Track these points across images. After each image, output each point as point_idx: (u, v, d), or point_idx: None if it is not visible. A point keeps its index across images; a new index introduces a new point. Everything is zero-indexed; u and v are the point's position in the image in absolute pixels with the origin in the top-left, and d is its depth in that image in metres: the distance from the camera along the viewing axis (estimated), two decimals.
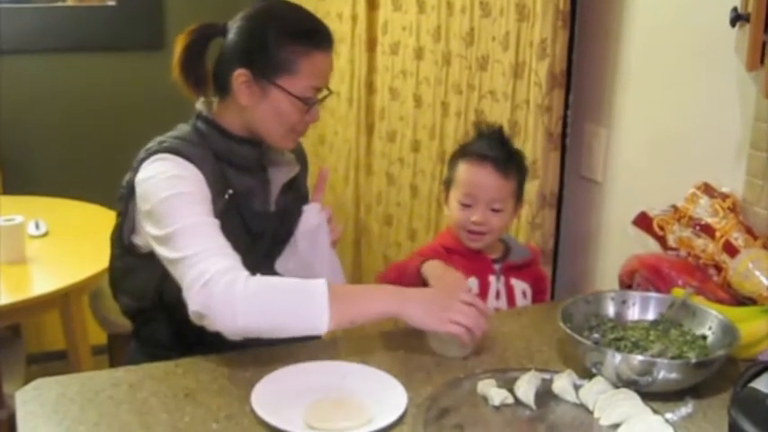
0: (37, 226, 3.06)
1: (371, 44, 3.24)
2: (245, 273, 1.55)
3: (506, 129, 2.32)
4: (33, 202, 3.41)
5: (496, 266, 1.99)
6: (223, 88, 1.78)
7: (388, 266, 1.95)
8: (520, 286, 2.01)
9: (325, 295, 1.54)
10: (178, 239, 1.58)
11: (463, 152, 2.00)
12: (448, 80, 2.69)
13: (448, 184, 2.02)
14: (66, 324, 2.83)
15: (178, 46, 1.79)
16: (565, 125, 2.25)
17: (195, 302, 1.53)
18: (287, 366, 1.59)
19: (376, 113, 3.26)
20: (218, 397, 1.51)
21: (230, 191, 1.77)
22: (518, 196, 1.99)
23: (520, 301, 2.00)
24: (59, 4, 4.15)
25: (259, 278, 1.55)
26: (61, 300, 2.73)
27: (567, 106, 2.24)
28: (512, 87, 2.33)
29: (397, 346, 1.74)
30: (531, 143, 2.22)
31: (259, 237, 1.82)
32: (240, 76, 1.73)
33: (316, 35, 1.75)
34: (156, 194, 1.64)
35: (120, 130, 3.91)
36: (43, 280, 2.73)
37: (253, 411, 1.43)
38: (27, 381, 1.59)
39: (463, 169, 1.96)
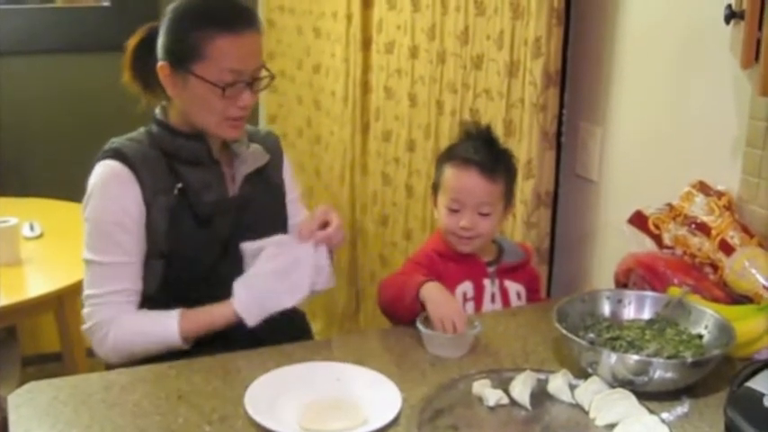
0: (32, 228, 3.05)
1: (366, 43, 3.23)
2: (119, 323, 1.77)
3: (501, 128, 2.32)
4: (28, 203, 3.41)
5: (490, 269, 1.97)
6: (162, 86, 1.81)
7: (386, 280, 1.93)
8: (514, 288, 1.99)
9: (178, 339, 1.76)
10: (86, 274, 1.81)
11: (448, 155, 1.97)
12: (443, 79, 2.68)
13: (435, 188, 1.99)
14: (62, 326, 2.83)
15: (128, 49, 1.87)
16: (560, 124, 2.24)
17: (87, 336, 1.82)
18: (281, 368, 1.58)
19: (371, 113, 3.25)
20: (212, 399, 1.50)
21: (179, 185, 1.80)
22: (507, 197, 1.96)
23: (515, 302, 1.99)
24: (54, 5, 4.14)
25: (126, 330, 1.77)
26: (56, 301, 2.72)
27: (562, 105, 2.23)
28: (506, 86, 2.32)
29: (392, 346, 1.73)
30: (527, 142, 2.21)
31: (208, 223, 1.82)
32: (162, 68, 1.78)
33: (220, 17, 1.73)
34: (86, 209, 1.80)
35: (115, 131, 3.90)
36: (38, 282, 2.73)
37: (246, 413, 1.42)
38: (22, 383, 1.58)
39: (449, 174, 1.93)
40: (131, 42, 1.87)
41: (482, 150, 1.91)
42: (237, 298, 1.75)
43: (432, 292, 1.76)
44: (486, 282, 1.96)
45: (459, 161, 1.91)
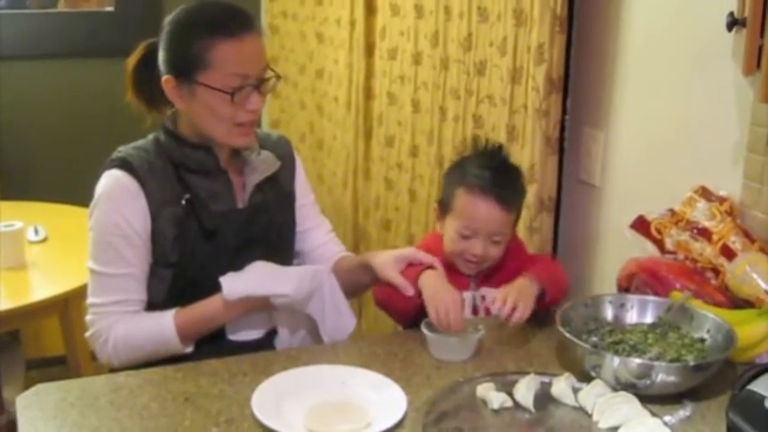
0: (36, 232, 3.06)
1: (370, 49, 3.25)
2: (117, 328, 1.78)
3: (504, 134, 2.33)
4: (32, 207, 3.41)
5: (471, 281, 1.95)
6: (168, 98, 1.81)
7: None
8: (493, 294, 1.89)
9: (174, 335, 1.77)
10: (90, 282, 1.82)
11: (462, 177, 1.91)
12: (446, 85, 2.69)
13: (444, 206, 1.95)
14: (66, 329, 2.84)
15: (128, 67, 1.87)
16: (563, 129, 2.25)
17: (89, 343, 1.83)
18: (287, 370, 1.60)
19: (374, 118, 3.27)
20: (218, 401, 1.51)
21: (187, 196, 1.80)
22: (517, 219, 1.95)
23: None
24: (58, 9, 4.15)
25: (123, 333, 1.78)
26: (61, 305, 2.73)
27: (564, 111, 2.24)
28: (509, 92, 2.33)
29: (396, 350, 1.74)
30: (529, 148, 2.22)
31: (213, 235, 1.83)
32: (167, 82, 1.78)
33: (218, 24, 1.73)
34: (91, 219, 1.80)
35: (119, 135, 3.91)
36: (42, 285, 2.74)
37: (253, 415, 1.44)
38: (26, 386, 1.60)
39: (463, 199, 1.89)
40: (131, 61, 1.87)
41: (499, 179, 1.88)
42: (225, 276, 1.77)
43: (429, 280, 1.77)
44: (467, 294, 1.93)
45: (477, 189, 1.87)
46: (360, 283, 1.95)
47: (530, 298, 1.78)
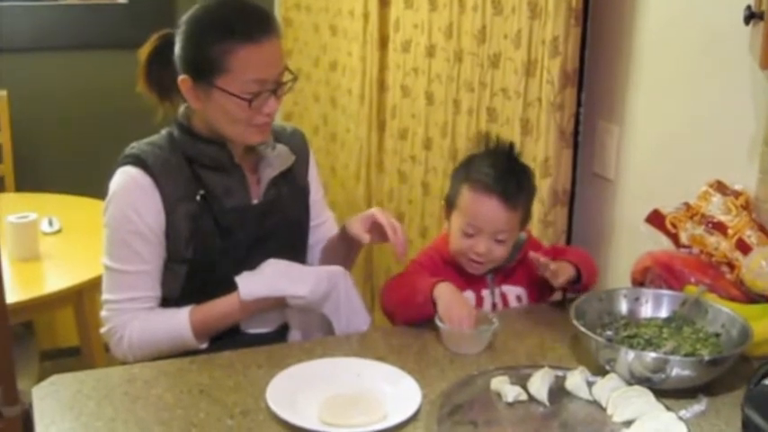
0: (50, 223, 3.07)
1: (383, 42, 3.24)
2: (132, 325, 1.79)
3: (518, 127, 2.33)
4: (46, 199, 3.43)
5: (489, 279, 1.93)
6: (182, 95, 1.80)
7: (392, 281, 1.92)
8: (514, 292, 1.94)
9: (189, 333, 1.79)
10: (105, 278, 1.83)
11: (467, 174, 1.88)
12: (460, 78, 2.69)
13: (449, 202, 1.93)
14: (80, 321, 2.85)
15: (141, 58, 1.85)
16: (577, 123, 2.24)
17: (105, 338, 1.85)
18: (302, 363, 1.60)
19: (387, 111, 3.27)
20: (233, 393, 1.52)
21: (201, 192, 1.80)
22: (525, 219, 1.92)
23: (515, 306, 1.96)
24: (69, 2, 4.17)
25: (138, 330, 1.79)
26: (75, 297, 2.75)
27: (579, 104, 2.23)
28: (524, 85, 2.33)
29: (411, 343, 1.74)
30: (544, 141, 2.22)
31: (228, 231, 1.82)
32: (183, 82, 1.76)
33: (238, 29, 1.71)
34: (105, 215, 1.81)
35: (132, 127, 3.91)
36: (56, 277, 2.75)
37: (268, 407, 1.44)
38: (40, 377, 1.60)
39: (467, 197, 1.86)
40: (143, 52, 1.85)
41: (504, 177, 1.84)
42: (241, 275, 1.79)
43: (443, 292, 1.76)
44: (486, 293, 1.93)
45: (480, 186, 1.84)
46: (343, 251, 1.99)
47: (564, 277, 1.87)
